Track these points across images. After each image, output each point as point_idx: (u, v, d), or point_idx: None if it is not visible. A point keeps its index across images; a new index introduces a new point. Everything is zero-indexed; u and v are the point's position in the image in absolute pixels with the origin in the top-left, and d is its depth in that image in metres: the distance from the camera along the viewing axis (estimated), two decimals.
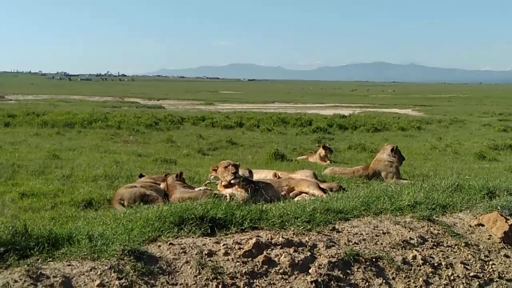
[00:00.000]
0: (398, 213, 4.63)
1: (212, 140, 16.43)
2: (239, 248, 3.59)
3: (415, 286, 3.67)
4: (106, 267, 3.14)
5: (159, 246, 3.56)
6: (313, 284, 3.44)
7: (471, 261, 4.02)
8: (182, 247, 3.53)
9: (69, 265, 3.15)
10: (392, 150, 8.90)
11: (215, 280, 3.28)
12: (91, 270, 3.11)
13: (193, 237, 3.74)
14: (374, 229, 4.24)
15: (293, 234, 3.92)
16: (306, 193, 6.42)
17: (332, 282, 3.50)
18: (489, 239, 4.41)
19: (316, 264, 3.59)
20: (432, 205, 4.85)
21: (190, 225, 3.85)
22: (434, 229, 4.40)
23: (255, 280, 3.39)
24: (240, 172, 7.86)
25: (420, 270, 3.79)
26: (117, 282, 3.06)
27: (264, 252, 3.58)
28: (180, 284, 3.23)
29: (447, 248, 4.13)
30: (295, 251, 3.68)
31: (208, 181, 8.13)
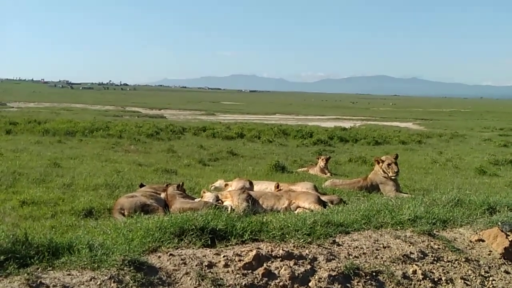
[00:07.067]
0: (399, 227, 4.63)
1: (213, 150, 16.42)
2: (239, 260, 3.59)
3: None
4: (106, 277, 3.14)
5: (159, 256, 3.56)
6: None
7: (471, 276, 4.01)
8: (182, 258, 3.53)
9: (69, 274, 3.15)
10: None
11: None
12: (91, 280, 3.11)
13: (193, 248, 3.74)
14: (375, 243, 4.24)
15: (294, 246, 3.92)
16: (304, 207, 6.41)
17: None
18: (489, 254, 4.40)
19: (316, 277, 3.59)
20: (432, 220, 4.85)
21: (191, 236, 3.86)
22: (435, 244, 4.39)
23: None
24: (241, 184, 7.89)
25: (420, 285, 3.78)
26: None
27: (264, 265, 3.58)
28: None
29: (447, 263, 4.13)
30: (295, 264, 3.67)
31: (212, 186, 8.19)
